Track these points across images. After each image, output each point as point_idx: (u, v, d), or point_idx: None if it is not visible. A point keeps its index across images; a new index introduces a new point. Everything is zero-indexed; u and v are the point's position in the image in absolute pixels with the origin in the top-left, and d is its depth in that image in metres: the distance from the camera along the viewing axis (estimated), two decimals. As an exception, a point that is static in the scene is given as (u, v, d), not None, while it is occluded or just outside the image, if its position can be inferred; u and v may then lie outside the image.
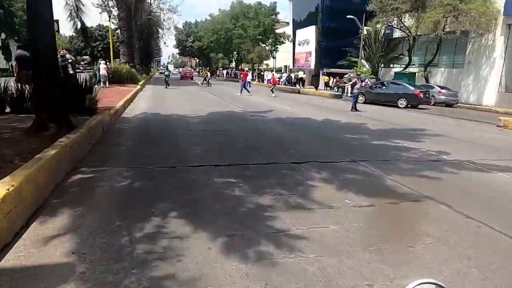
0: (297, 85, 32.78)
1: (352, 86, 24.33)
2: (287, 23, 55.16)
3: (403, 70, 30.50)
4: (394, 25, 30.47)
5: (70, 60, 11.71)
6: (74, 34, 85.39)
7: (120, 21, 26.66)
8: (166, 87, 22.84)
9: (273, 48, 50.32)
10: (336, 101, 20.92)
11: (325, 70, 46.65)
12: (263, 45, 49.94)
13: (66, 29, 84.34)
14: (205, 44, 50.03)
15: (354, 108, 14.67)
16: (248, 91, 20.90)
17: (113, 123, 8.52)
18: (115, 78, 20.41)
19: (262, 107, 13.71)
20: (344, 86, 24.93)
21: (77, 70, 17.21)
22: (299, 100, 19.66)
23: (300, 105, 16.27)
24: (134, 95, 15.08)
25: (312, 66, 48.33)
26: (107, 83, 19.23)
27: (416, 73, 28.48)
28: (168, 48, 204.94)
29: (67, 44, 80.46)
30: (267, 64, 55.69)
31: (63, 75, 9.19)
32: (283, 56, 53.50)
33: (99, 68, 19.11)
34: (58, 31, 62.46)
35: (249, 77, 33.30)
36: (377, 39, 34.19)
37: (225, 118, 10.64)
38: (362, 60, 34.19)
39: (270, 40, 49.90)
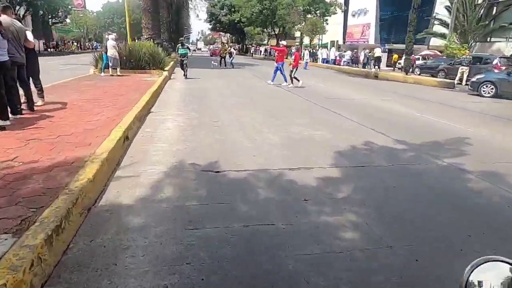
0: (370, 67, 25.20)
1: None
2: (338, -10, 46.40)
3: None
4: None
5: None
6: (101, 10, 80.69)
7: (142, -17, 20.04)
8: (185, 77, 14.35)
9: (322, 20, 42.15)
10: (469, 98, 13.51)
11: (386, 47, 38.36)
12: (309, 16, 41.89)
13: (92, 4, 79.43)
14: (244, 16, 42.58)
15: None
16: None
17: None
18: (132, 62, 14.03)
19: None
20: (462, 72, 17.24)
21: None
22: (406, 95, 12.41)
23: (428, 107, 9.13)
24: (149, 103, 8.52)
25: (372, 41, 40.05)
26: (118, 69, 12.85)
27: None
28: (197, 24, 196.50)
29: (93, 20, 75.68)
30: (311, 40, 47.52)
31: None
32: (329, 30, 45.22)
33: (106, 47, 12.76)
34: (84, 7, 57.43)
35: (306, 56, 26.20)
36: (473, 2, 25.81)
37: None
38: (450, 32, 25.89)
39: (318, 11, 41.72)
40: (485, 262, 0.74)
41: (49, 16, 48.84)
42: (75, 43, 60.03)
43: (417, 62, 29.65)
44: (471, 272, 0.74)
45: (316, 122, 6.83)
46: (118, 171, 3.80)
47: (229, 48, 27.51)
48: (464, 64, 17.33)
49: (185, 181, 3.62)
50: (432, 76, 21.51)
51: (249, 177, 3.82)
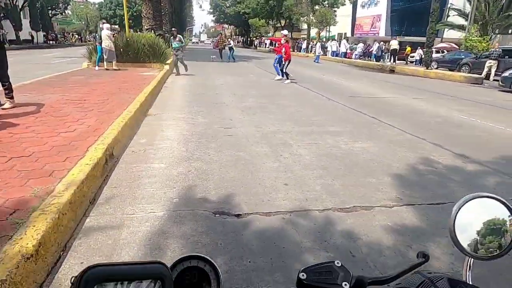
0: (385, 60, 23.71)
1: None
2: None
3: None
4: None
5: None
6: (103, 1, 79.02)
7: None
8: (176, 74, 12.21)
9: (332, 11, 40.40)
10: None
11: (397, 39, 36.69)
12: (317, 7, 40.18)
13: (94, -5, 77.98)
14: (250, 7, 40.94)
15: None
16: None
17: None
18: (129, 54, 12.69)
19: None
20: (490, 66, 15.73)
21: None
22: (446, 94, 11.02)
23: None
24: (147, 103, 7.26)
25: (382, 34, 38.40)
26: (114, 62, 11.54)
27: None
28: (200, 16, 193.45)
29: (95, 12, 74.04)
30: (317, 33, 45.77)
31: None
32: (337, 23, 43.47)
33: (100, 37, 11.40)
34: (86, -1, 55.89)
35: (318, 49, 24.68)
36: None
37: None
38: (470, 23, 24.30)
39: (326, 2, 39.99)
40: (473, 199, 0.68)
41: (48, 7, 47.48)
42: (76, 35, 58.71)
43: (433, 55, 28.14)
44: (458, 210, 0.68)
45: (351, 130, 5.52)
46: (89, 219, 2.53)
47: (227, 40, 25.81)
48: (493, 57, 15.85)
49: (190, 237, 2.34)
50: (450, 70, 20.03)
51: (286, 226, 2.54)
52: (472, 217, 0.68)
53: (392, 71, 19.81)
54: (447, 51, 28.82)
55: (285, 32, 13.24)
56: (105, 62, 11.44)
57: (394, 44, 21.35)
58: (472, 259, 0.70)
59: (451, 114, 7.41)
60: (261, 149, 4.34)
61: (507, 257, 0.71)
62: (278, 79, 11.90)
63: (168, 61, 13.81)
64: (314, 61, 23.65)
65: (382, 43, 24.85)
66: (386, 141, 4.96)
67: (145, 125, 5.32)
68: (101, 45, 11.32)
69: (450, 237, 0.68)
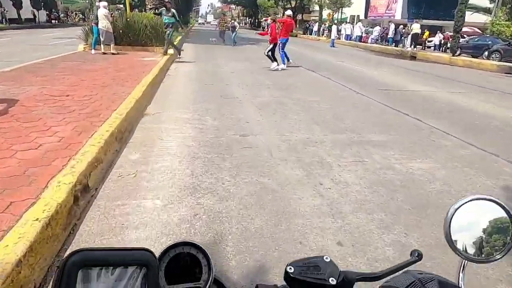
0: (404, 45, 22.17)
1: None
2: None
3: None
4: None
5: None
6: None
7: None
8: (164, 53, 10.66)
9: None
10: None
11: (415, 22, 34.70)
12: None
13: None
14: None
15: None
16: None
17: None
18: (129, 37, 11.47)
19: None
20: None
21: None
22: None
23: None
24: (144, 98, 6.15)
25: (399, 16, 36.42)
26: (112, 45, 10.37)
27: None
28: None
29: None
30: (330, 15, 43.59)
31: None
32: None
33: (96, 17, 10.16)
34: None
35: (334, 33, 23.05)
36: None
37: None
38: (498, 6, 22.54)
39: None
40: (470, 201, 0.67)
41: (52, -16, 45.74)
42: (80, 15, 57.05)
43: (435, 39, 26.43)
44: (454, 212, 0.66)
45: (399, 139, 4.38)
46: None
47: (231, 21, 23.83)
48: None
49: None
50: (473, 57, 18.50)
51: None
52: (469, 219, 0.67)
53: (413, 57, 18.37)
54: (468, 36, 27.08)
55: (289, 12, 11.47)
56: (102, 45, 10.26)
57: (416, 28, 19.72)
58: (467, 262, 0.67)
59: (504, 114, 6.22)
60: (292, 171, 3.25)
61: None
62: (282, 68, 10.35)
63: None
64: (330, 46, 22.19)
65: (401, 26, 23.21)
66: (448, 157, 3.83)
67: (140, 130, 4.23)
68: (97, 26, 10.12)
69: (445, 239, 0.65)
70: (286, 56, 10.65)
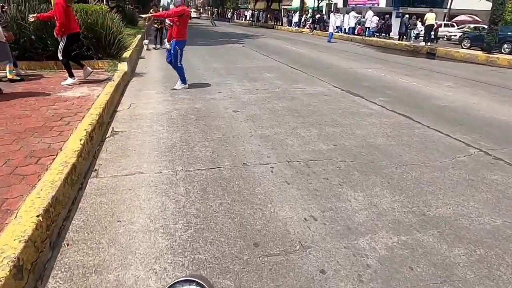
0: (409, 38, 18.94)
1: None
2: None
3: None
4: None
5: None
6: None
7: None
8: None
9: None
10: None
11: (401, 11, 31.82)
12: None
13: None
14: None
15: None
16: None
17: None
18: (49, 47, 7.02)
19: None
20: None
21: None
22: None
23: None
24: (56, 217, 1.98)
25: (383, 4, 33.42)
26: (8, 67, 5.93)
27: None
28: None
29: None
30: (302, 2, 39.86)
31: None
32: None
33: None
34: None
35: (332, 25, 19.38)
36: None
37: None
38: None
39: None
40: (178, 282, 0.67)
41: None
42: None
43: (452, 31, 23.75)
44: None
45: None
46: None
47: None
48: None
49: None
50: (482, 50, 15.56)
51: None
52: None
53: (431, 54, 15.12)
54: (466, 24, 24.51)
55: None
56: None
57: (431, 18, 16.37)
58: None
59: None
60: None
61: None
62: (181, 87, 6.49)
63: (127, 53, 8.39)
64: (328, 40, 18.70)
65: (406, 16, 19.97)
66: None
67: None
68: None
69: None
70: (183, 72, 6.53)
